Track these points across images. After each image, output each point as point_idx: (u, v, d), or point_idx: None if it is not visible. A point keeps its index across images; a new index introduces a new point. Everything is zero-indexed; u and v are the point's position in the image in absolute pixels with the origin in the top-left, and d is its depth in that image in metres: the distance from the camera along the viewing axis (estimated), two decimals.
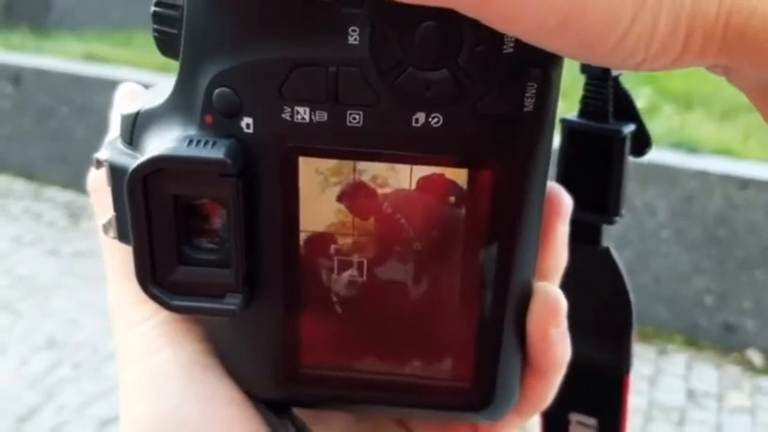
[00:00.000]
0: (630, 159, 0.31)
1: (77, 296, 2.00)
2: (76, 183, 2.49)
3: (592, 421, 0.35)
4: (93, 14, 3.73)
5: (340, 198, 0.22)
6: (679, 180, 1.83)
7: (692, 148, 1.94)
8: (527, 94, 0.20)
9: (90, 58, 2.81)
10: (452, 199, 0.22)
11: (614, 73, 0.30)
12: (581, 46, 0.16)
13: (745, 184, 1.78)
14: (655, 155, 1.86)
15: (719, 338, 1.87)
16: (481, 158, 0.21)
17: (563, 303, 0.24)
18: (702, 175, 1.81)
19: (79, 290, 2.03)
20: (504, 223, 0.22)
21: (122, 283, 0.25)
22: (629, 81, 0.31)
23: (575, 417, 0.36)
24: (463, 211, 0.22)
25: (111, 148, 0.23)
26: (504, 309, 0.23)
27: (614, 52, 0.16)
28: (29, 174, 2.73)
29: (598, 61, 0.17)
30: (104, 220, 0.24)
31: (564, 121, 0.31)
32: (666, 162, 1.85)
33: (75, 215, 2.48)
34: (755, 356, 1.82)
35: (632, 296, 0.33)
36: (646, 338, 1.87)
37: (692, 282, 1.86)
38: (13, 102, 2.73)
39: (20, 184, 2.70)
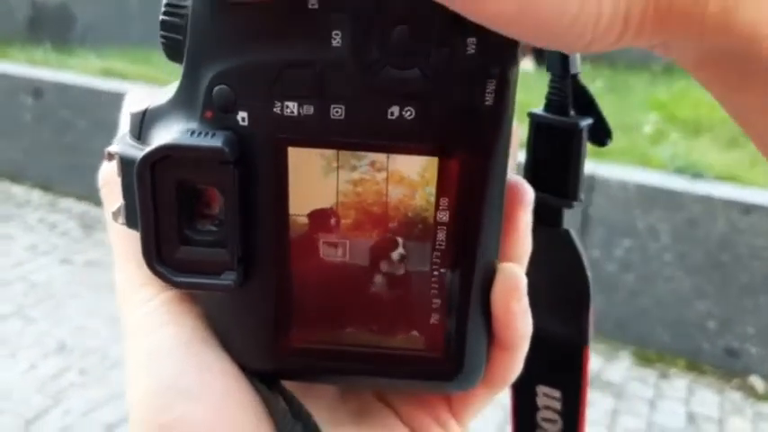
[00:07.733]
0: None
1: (88, 304, 2.04)
2: (91, 195, 2.54)
3: (556, 393, 0.38)
4: (115, 33, 3.81)
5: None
6: (683, 204, 1.84)
7: (698, 174, 1.95)
8: (487, 90, 0.23)
9: (109, 74, 2.87)
10: (426, 185, 0.24)
11: (573, 71, 0.33)
12: (537, 30, 0.19)
13: (748, 209, 1.79)
14: (658, 179, 1.89)
15: (722, 363, 1.87)
16: (449, 147, 0.23)
17: (523, 280, 0.26)
18: (706, 200, 1.82)
19: (90, 298, 2.07)
20: (470, 206, 0.24)
21: (129, 266, 0.27)
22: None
23: (541, 389, 0.38)
24: (434, 195, 0.24)
25: (122, 142, 0.25)
26: (470, 284, 0.25)
27: (567, 34, 0.19)
28: (45, 185, 2.79)
29: (554, 43, 0.20)
30: (114, 209, 0.26)
31: (531, 115, 0.34)
32: (670, 186, 1.87)
33: (89, 226, 2.53)
34: (758, 382, 1.82)
35: (590, 274, 0.36)
36: (647, 362, 1.88)
37: (695, 306, 1.86)
38: (33, 114, 2.79)
39: (36, 195, 2.76)
